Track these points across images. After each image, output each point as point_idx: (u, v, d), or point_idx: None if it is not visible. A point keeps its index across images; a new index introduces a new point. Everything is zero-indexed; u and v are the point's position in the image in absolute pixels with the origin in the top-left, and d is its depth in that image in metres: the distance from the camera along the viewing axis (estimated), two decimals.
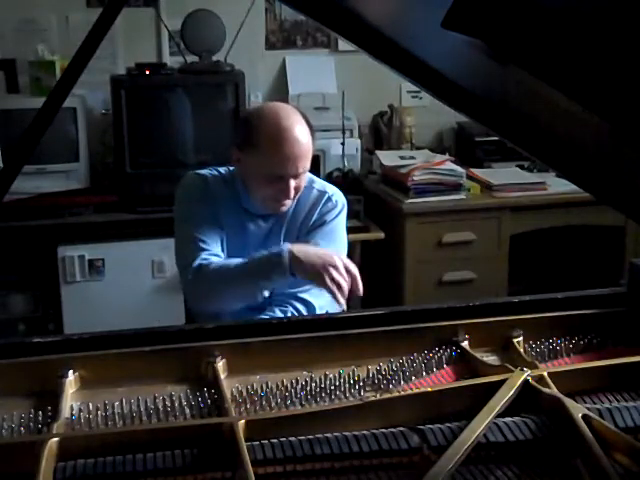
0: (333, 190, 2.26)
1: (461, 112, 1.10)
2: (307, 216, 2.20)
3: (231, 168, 2.23)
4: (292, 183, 2.08)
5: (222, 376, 1.45)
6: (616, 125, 0.85)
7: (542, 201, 3.61)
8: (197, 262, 2.05)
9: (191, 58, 3.58)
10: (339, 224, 2.23)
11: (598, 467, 1.18)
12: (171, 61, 3.76)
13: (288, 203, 2.15)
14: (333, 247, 2.20)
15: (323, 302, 2.16)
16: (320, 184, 2.26)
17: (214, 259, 2.08)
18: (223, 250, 2.15)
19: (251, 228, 2.19)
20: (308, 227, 2.19)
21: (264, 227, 2.19)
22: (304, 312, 2.10)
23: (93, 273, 3.38)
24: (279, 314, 2.07)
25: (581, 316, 1.63)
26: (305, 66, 3.99)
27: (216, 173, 2.23)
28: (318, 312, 2.13)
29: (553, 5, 0.81)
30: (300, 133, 2.08)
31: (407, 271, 3.56)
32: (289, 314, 2.08)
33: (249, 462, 1.16)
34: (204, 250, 2.08)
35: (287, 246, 2.02)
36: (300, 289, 2.12)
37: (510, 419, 1.29)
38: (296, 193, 2.13)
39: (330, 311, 2.26)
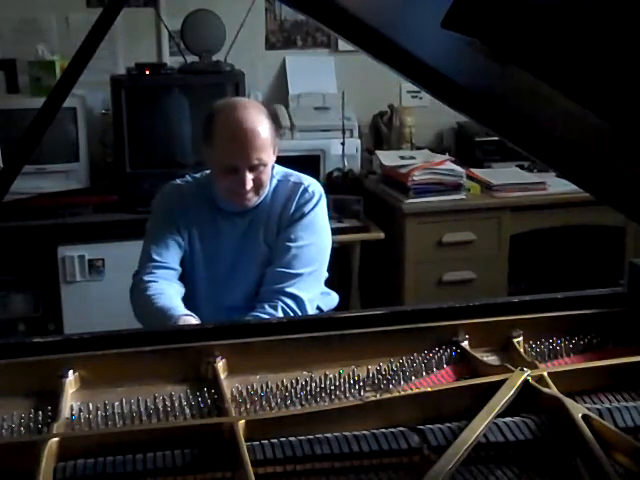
0: (309, 181, 2.26)
1: (461, 112, 1.10)
2: (284, 209, 2.20)
3: (207, 172, 2.26)
4: (248, 175, 2.10)
5: (222, 376, 1.45)
6: (616, 125, 0.85)
7: (542, 201, 3.61)
8: (141, 276, 2.14)
9: (191, 58, 3.58)
10: (318, 214, 2.23)
11: (598, 467, 1.18)
12: (171, 61, 3.76)
13: (251, 197, 2.15)
14: (315, 238, 2.20)
15: (311, 295, 2.17)
16: (296, 176, 2.26)
17: (160, 275, 2.14)
18: (193, 260, 2.21)
19: (227, 227, 2.21)
20: (287, 220, 2.20)
21: (241, 225, 2.20)
22: (294, 306, 2.11)
23: (93, 273, 3.38)
24: (270, 310, 2.07)
25: (581, 316, 1.63)
26: (305, 66, 3.99)
27: (190, 179, 2.29)
28: (307, 305, 2.13)
29: (553, 5, 0.81)
30: (255, 124, 2.09)
31: (407, 271, 3.55)
32: (279, 309, 2.08)
33: (249, 462, 1.16)
34: (155, 262, 2.14)
35: (178, 314, 1.99)
36: (287, 283, 2.12)
37: (510, 419, 1.29)
38: (257, 187, 2.14)
39: (319, 304, 2.27)
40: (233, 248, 2.21)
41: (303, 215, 2.20)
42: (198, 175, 2.30)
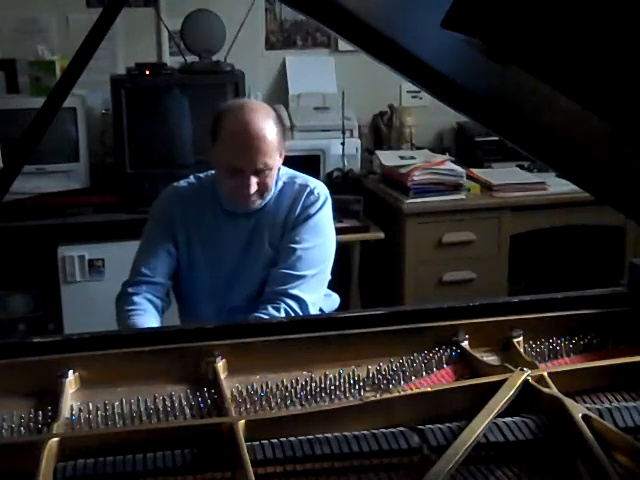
0: (315, 183, 2.26)
1: (461, 112, 1.10)
2: (290, 211, 2.20)
3: (212, 172, 2.25)
4: (253, 179, 2.09)
5: (222, 376, 1.45)
6: (616, 125, 0.85)
7: (542, 201, 3.61)
8: (128, 287, 2.15)
9: (191, 58, 3.58)
10: (323, 217, 2.23)
11: (598, 467, 1.18)
12: (171, 61, 3.76)
13: (254, 199, 2.15)
14: (320, 240, 2.20)
15: (315, 297, 2.16)
16: (302, 178, 2.26)
17: (146, 290, 2.14)
18: (193, 262, 2.20)
19: (231, 228, 2.20)
20: (292, 222, 2.19)
21: (246, 226, 2.20)
22: (297, 308, 2.10)
23: (93, 273, 3.38)
24: (272, 312, 2.07)
25: (581, 316, 1.63)
26: (305, 66, 3.99)
27: (194, 180, 2.29)
28: (311, 307, 2.13)
29: (553, 4, 0.81)
30: (262, 128, 2.08)
31: (407, 271, 3.55)
32: (282, 311, 2.08)
33: (249, 462, 1.16)
34: (143, 276, 2.15)
35: None
36: (290, 285, 2.11)
37: (510, 419, 1.29)
38: (262, 190, 2.13)
39: (322, 306, 2.27)
40: (237, 249, 2.20)
41: (308, 217, 2.19)
42: (202, 175, 2.29)
